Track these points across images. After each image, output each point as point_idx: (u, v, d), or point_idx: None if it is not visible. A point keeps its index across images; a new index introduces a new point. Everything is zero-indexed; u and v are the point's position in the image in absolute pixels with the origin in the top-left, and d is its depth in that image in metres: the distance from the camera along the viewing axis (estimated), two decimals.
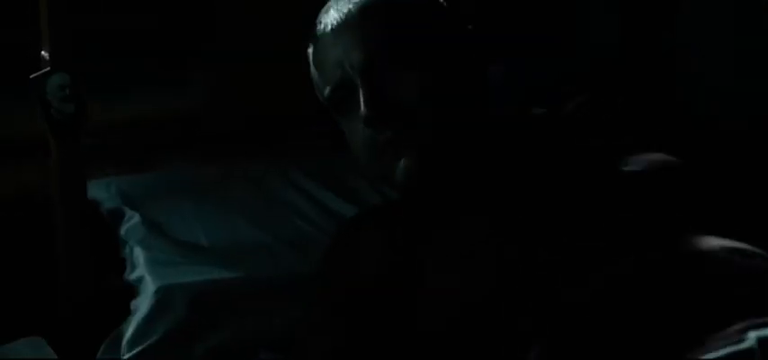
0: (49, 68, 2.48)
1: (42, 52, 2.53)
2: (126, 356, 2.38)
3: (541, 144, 1.78)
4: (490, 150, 1.79)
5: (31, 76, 2.49)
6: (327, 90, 1.79)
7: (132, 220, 2.69)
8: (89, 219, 2.61)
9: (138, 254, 2.56)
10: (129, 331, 2.41)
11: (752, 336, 1.30)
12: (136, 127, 3.08)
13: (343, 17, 1.75)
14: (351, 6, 1.77)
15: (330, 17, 1.78)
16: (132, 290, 2.53)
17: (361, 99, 1.69)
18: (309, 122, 2.87)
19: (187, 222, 2.68)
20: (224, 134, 3.13)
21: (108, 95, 2.97)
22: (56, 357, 2.43)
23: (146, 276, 2.49)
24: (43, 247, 2.64)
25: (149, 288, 2.45)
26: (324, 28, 1.79)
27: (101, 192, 2.82)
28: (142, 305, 2.43)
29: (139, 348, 2.38)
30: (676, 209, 1.57)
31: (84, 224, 2.58)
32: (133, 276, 2.54)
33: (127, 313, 2.48)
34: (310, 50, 1.88)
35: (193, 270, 2.47)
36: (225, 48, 3.19)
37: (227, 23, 3.21)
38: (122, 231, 2.68)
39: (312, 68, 1.91)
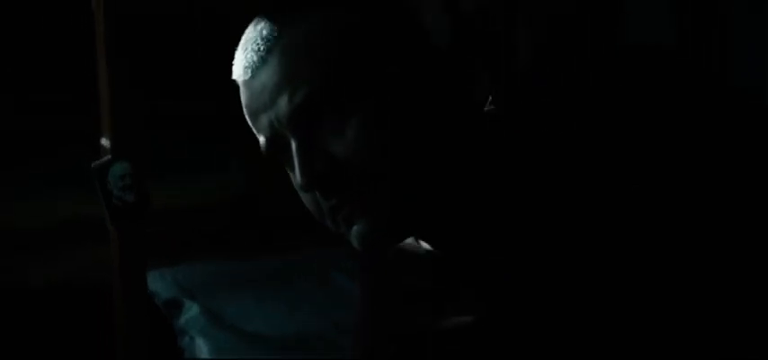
0: (110, 157, 2.46)
1: (102, 140, 2.51)
2: None
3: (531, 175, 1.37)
4: (463, 203, 1.36)
5: (92, 165, 2.46)
6: (261, 144, 1.36)
7: (191, 310, 2.65)
8: (148, 308, 2.57)
9: (201, 345, 2.52)
10: None
11: None
12: (191, 212, 3.06)
13: (262, 55, 1.32)
14: (270, 40, 1.32)
15: (247, 55, 1.34)
16: None
17: (294, 160, 1.31)
18: None
19: (248, 312, 2.64)
20: (279, 218, 3.10)
21: (162, 181, 2.96)
22: None
23: None
24: (100, 334, 2.61)
25: None
26: (242, 69, 1.35)
27: (156, 282, 2.79)
28: None
29: None
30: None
31: (144, 313, 2.54)
32: None
33: None
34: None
35: None
36: None
37: None
38: (182, 322, 2.64)
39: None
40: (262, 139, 1.34)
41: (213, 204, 3.28)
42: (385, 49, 1.33)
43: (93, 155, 2.47)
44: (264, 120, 1.33)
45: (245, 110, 1.36)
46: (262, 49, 1.32)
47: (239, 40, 1.38)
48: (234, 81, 1.37)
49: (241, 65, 1.34)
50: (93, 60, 2.52)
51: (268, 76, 1.31)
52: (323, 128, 1.30)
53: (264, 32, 1.33)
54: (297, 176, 1.30)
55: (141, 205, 2.45)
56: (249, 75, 1.33)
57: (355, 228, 1.32)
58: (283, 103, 1.31)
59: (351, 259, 2.92)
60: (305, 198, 1.36)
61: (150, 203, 2.46)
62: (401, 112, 1.31)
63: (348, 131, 1.29)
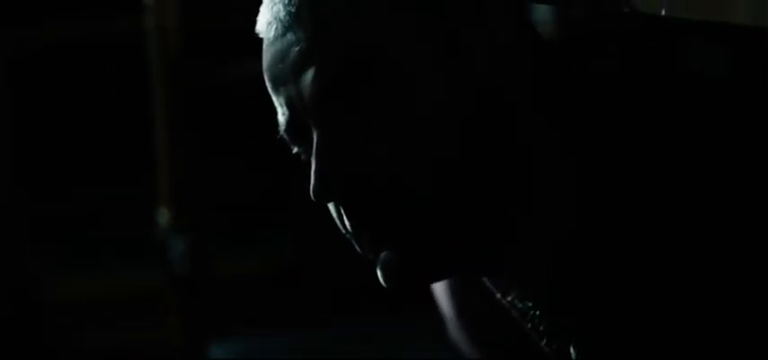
0: (169, 227, 2.46)
1: (161, 210, 2.51)
2: None
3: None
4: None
5: (151, 235, 2.47)
6: (279, 124, 1.03)
7: None
8: None
9: None
10: None
11: None
12: (246, 284, 3.06)
13: (290, 9, 1.00)
14: None
15: (274, 6, 1.02)
16: None
17: (313, 154, 0.99)
18: None
19: None
20: (336, 289, 3.09)
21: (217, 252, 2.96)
22: None
23: None
24: None
25: None
26: (265, 24, 1.02)
27: (216, 354, 2.77)
28: None
29: None
30: None
31: None
32: None
33: None
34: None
35: None
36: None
37: None
38: None
39: None
40: (280, 118, 1.02)
41: (267, 275, 3.26)
42: (467, 13, 0.97)
43: (142, 226, 2.47)
44: (284, 94, 1.00)
45: (264, 73, 1.02)
46: None
47: None
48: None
49: (265, 18, 1.02)
50: (142, 131, 2.53)
51: (295, 38, 0.98)
52: (358, 121, 0.97)
53: None
54: (311, 179, 0.98)
55: (203, 276, 2.45)
56: (272, 33, 1.00)
57: (382, 256, 0.98)
58: (308, 79, 0.97)
59: (412, 332, 2.90)
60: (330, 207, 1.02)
61: (213, 275, 2.46)
62: (474, 110, 0.95)
63: (387, 133, 0.96)
